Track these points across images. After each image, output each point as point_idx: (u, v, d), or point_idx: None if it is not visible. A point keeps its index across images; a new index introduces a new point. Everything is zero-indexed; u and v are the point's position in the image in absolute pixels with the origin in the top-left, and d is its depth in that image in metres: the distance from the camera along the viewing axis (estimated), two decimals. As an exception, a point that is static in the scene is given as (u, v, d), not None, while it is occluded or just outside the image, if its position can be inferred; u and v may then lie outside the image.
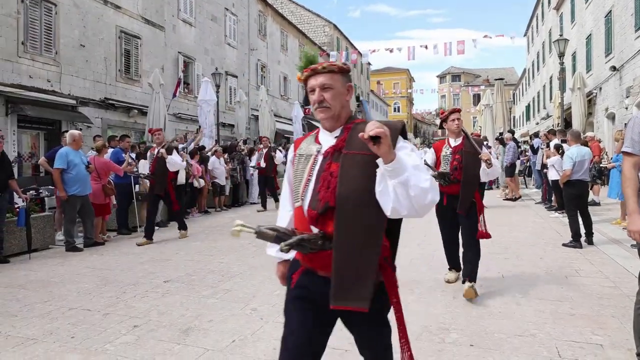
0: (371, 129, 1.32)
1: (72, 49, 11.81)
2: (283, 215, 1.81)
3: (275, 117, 17.97)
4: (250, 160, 11.48)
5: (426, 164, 4.05)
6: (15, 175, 6.72)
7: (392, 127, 1.52)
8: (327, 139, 1.64)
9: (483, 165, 3.83)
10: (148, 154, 7.15)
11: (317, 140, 1.68)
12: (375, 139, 1.32)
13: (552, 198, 8.99)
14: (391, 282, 1.60)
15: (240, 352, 2.89)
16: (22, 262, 5.55)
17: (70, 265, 5.34)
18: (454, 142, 4.12)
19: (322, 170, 1.57)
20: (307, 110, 25.33)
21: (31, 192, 6.69)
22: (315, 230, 1.55)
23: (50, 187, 7.29)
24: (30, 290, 4.33)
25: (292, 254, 1.68)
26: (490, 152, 4.04)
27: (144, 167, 7.45)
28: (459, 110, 4.17)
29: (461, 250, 4.13)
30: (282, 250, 1.45)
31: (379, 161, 1.37)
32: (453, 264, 4.34)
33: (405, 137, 1.59)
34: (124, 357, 2.85)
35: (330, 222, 1.51)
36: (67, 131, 7.04)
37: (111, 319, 3.51)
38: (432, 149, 4.32)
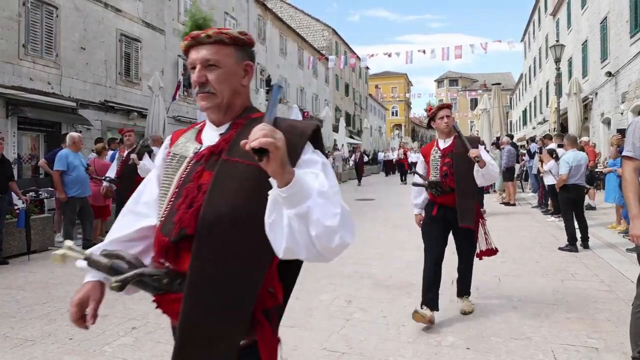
0: (255, 136, 0.88)
1: (73, 51, 11.85)
2: (119, 229, 1.29)
3: (274, 121, 17.98)
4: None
5: (417, 173, 3.67)
6: (15, 177, 6.72)
7: (297, 132, 1.09)
8: (211, 137, 1.20)
9: (476, 165, 3.29)
10: (117, 155, 6.64)
11: (198, 137, 1.23)
12: (262, 152, 0.88)
13: (549, 202, 9.04)
14: (267, 347, 1.11)
15: (238, 354, 2.91)
16: (21, 263, 5.56)
17: (69, 267, 5.32)
18: (444, 143, 3.53)
19: (189, 181, 1.13)
20: (305, 114, 25.38)
21: (31, 193, 6.70)
22: (166, 264, 1.13)
23: (49, 188, 7.30)
24: (29, 292, 4.35)
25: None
26: (486, 152, 3.59)
27: (113, 170, 6.66)
28: (449, 106, 3.55)
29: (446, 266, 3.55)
30: (112, 288, 1.07)
31: (272, 181, 0.94)
32: (431, 302, 3.30)
33: (318, 147, 1.13)
34: (122, 359, 2.87)
35: (186, 256, 1.07)
36: (67, 133, 7.03)
37: (109, 320, 3.53)
38: (420, 156, 3.73)
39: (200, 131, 1.25)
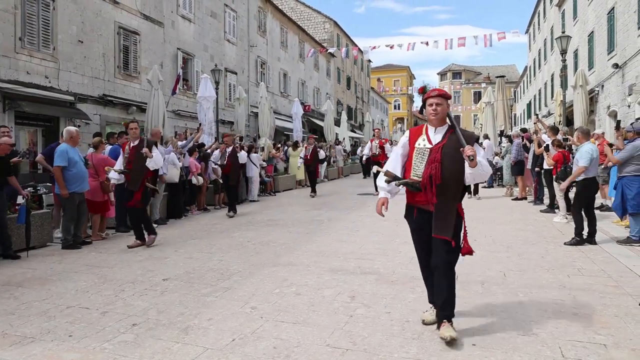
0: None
1: (70, 44, 11.74)
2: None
3: (275, 115, 17.91)
4: (249, 158, 11.45)
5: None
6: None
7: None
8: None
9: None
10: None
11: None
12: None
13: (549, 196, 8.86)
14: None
15: (240, 351, 2.85)
16: (19, 259, 5.51)
17: (67, 263, 5.30)
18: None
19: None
20: (307, 108, 25.23)
21: (29, 189, 6.63)
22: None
23: (48, 184, 7.23)
24: (28, 288, 4.29)
25: None
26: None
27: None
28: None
29: None
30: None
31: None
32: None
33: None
34: (122, 356, 2.82)
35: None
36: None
37: (109, 317, 3.48)
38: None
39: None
